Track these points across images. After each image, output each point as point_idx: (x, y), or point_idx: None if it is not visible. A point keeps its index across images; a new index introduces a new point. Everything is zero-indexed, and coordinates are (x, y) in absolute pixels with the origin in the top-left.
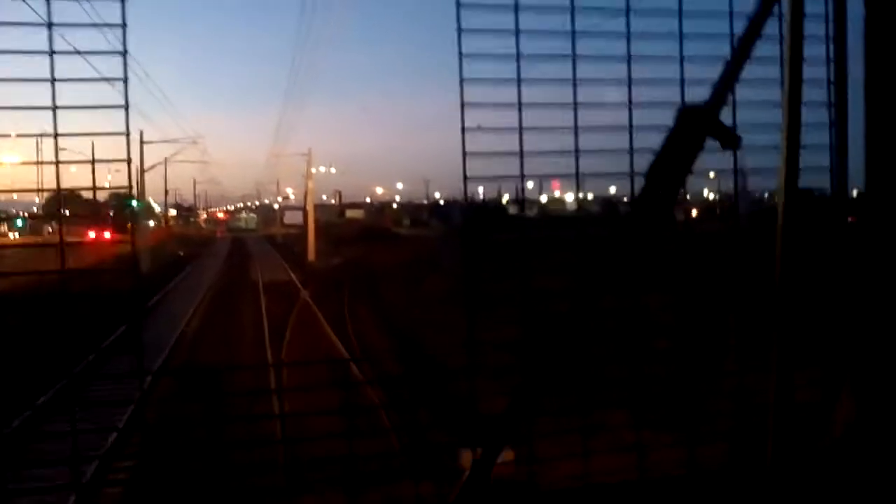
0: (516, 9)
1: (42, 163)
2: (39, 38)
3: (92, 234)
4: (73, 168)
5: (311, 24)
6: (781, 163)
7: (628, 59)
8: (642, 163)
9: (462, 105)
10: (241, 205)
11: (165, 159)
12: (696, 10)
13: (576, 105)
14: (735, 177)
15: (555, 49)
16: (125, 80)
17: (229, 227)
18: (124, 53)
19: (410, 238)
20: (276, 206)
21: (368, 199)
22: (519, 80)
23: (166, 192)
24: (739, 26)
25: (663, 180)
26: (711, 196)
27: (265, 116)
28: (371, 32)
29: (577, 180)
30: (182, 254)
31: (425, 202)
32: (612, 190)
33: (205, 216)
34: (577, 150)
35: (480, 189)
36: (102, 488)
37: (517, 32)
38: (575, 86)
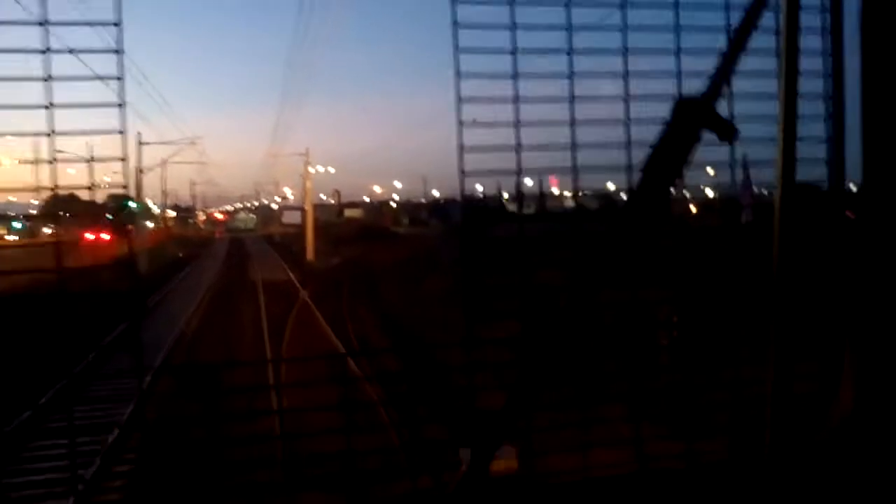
0: (512, 2)
1: (39, 161)
2: (34, 38)
3: (90, 237)
4: (70, 170)
5: (308, 23)
6: (778, 155)
7: (624, 52)
8: (640, 156)
9: (458, 100)
10: (240, 205)
11: (163, 160)
12: (692, 1)
13: (572, 99)
14: (744, 170)
15: (550, 43)
16: (121, 78)
17: (228, 227)
18: (119, 52)
19: (409, 237)
20: (274, 207)
21: (367, 199)
22: (515, 75)
23: (164, 192)
24: (736, 18)
25: (660, 173)
26: (710, 192)
27: (263, 116)
28: (367, 31)
29: (574, 174)
30: (181, 255)
31: (423, 201)
32: (611, 186)
33: (203, 217)
34: (573, 144)
35: (479, 187)
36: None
37: (513, 27)
38: (572, 80)
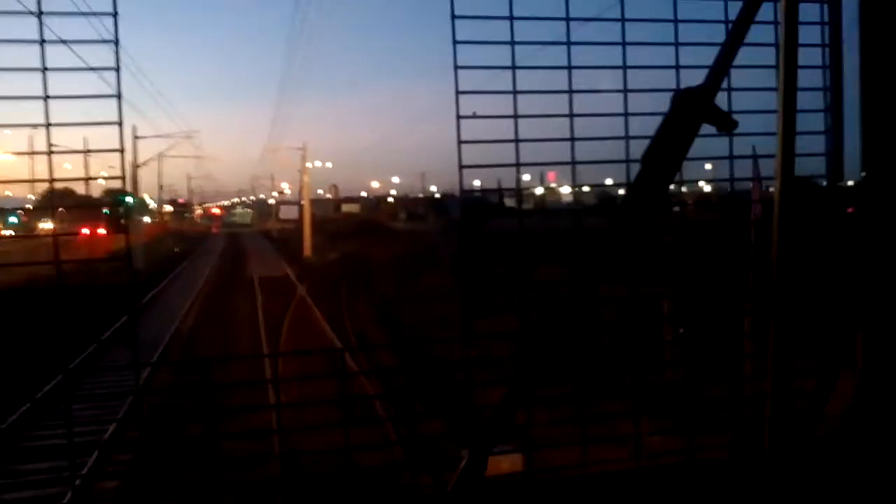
0: None
1: (35, 153)
2: (29, 30)
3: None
4: (66, 165)
5: (305, 16)
6: (778, 147)
7: (623, 45)
8: (639, 149)
9: (457, 93)
10: (237, 200)
11: (160, 154)
12: None
13: (571, 92)
14: (753, 163)
15: (549, 36)
16: (117, 70)
17: (225, 222)
18: (116, 42)
19: (408, 232)
20: (271, 202)
21: (364, 194)
22: (514, 67)
23: (160, 187)
24: (735, 10)
25: (659, 165)
26: (708, 188)
27: (260, 111)
28: (366, 24)
29: (573, 167)
30: (177, 250)
31: (421, 196)
32: (609, 180)
33: (200, 212)
34: (572, 137)
35: (477, 182)
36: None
37: (511, 19)
38: (570, 72)
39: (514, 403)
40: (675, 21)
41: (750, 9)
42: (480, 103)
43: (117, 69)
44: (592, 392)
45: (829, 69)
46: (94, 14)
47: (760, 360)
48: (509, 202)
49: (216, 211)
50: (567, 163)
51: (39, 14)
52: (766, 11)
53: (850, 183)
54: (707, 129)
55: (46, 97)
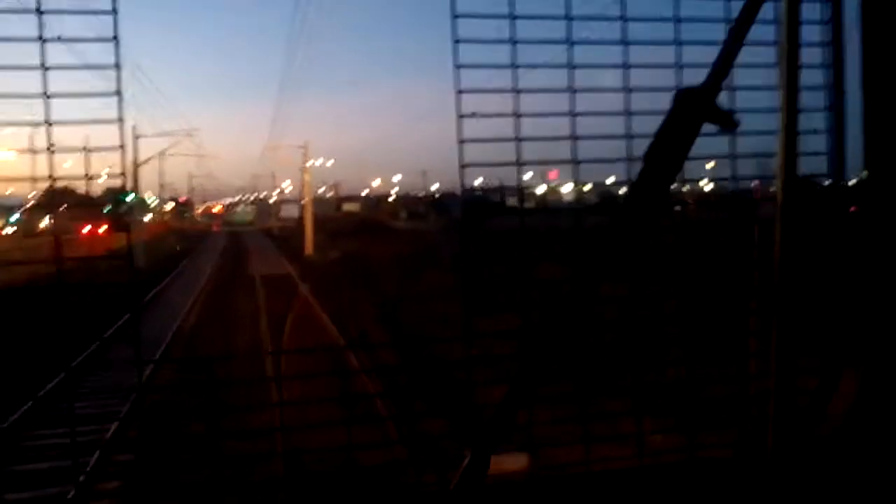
0: None
1: (35, 151)
2: (29, 28)
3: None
4: (67, 163)
5: (306, 14)
6: (780, 147)
7: (624, 44)
8: (641, 148)
9: (458, 91)
10: (238, 198)
11: (161, 152)
12: None
13: (572, 91)
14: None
15: (550, 34)
16: (117, 67)
17: (226, 220)
18: (116, 40)
19: (409, 231)
20: (272, 200)
21: (366, 192)
22: (514, 66)
23: (161, 185)
24: (736, 9)
25: (661, 164)
26: (708, 188)
27: (261, 110)
28: (366, 24)
29: (574, 166)
30: (179, 248)
31: (422, 194)
32: (610, 179)
33: (201, 210)
34: (573, 136)
35: (478, 181)
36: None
37: (512, 17)
38: (572, 71)
39: (516, 402)
40: (677, 20)
41: (751, 8)
42: (481, 102)
43: (117, 67)
44: (594, 390)
45: (830, 68)
46: (94, 12)
47: (764, 359)
48: (510, 201)
49: (217, 209)
50: (568, 161)
51: (39, 12)
52: (767, 10)
53: (852, 182)
54: (708, 128)
55: (46, 95)
